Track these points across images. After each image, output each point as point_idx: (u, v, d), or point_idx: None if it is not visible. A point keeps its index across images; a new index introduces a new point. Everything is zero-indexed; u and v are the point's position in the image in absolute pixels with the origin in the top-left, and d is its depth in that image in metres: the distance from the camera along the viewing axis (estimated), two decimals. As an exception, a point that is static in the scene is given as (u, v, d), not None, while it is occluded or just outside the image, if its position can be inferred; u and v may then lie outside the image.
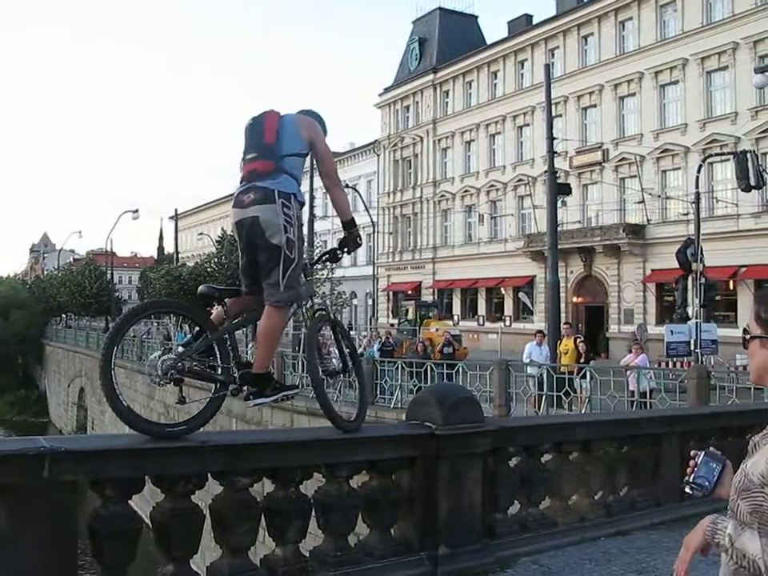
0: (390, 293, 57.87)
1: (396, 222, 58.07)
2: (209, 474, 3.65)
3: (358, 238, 4.30)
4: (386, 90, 59.69)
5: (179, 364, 3.71)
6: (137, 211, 55.79)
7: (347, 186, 50.13)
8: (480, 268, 48.48)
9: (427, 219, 54.66)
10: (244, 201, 4.02)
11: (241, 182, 4.11)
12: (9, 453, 3.10)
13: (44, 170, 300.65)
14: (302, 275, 4.24)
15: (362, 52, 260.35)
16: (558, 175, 23.34)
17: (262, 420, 21.19)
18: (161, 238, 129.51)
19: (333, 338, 4.43)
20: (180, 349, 3.82)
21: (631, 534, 5.22)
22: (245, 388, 3.90)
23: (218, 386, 3.85)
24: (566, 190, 22.98)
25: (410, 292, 54.43)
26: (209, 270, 49.24)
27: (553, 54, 43.86)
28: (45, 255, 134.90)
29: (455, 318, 49.72)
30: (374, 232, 52.36)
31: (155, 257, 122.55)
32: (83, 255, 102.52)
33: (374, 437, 4.13)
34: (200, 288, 4.08)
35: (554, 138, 21.26)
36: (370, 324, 47.67)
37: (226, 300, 4.07)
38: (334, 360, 4.46)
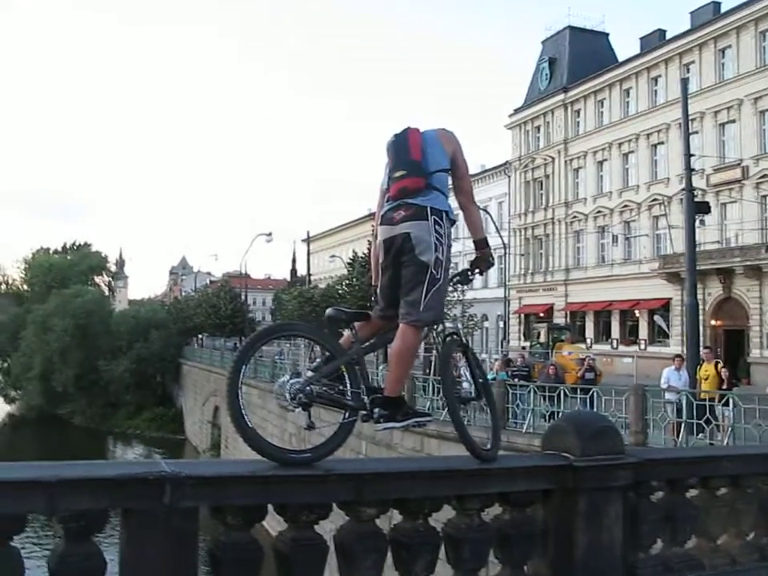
0: (522, 315, 57.22)
1: (527, 244, 57.50)
2: (333, 504, 3.53)
3: (491, 258, 4.13)
4: (516, 111, 59.38)
5: (307, 388, 3.63)
6: (270, 234, 57.31)
7: (478, 207, 50.17)
8: (613, 290, 47.33)
9: (559, 241, 53.92)
10: (394, 218, 3.89)
11: (387, 201, 3.98)
12: (130, 476, 3.05)
13: (182, 193, 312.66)
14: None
15: (492, 73, 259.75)
16: (694, 194, 22.44)
17: (392, 443, 21.11)
18: (293, 260, 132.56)
19: (465, 362, 4.26)
20: (309, 373, 3.73)
21: (789, 581, 4.79)
22: (375, 411, 3.79)
23: (348, 411, 3.74)
24: (704, 208, 22.05)
25: (541, 314, 53.69)
26: (340, 291, 49.99)
27: (688, 69, 42.49)
28: (183, 277, 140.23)
29: (588, 341, 48.65)
30: (505, 254, 51.95)
31: (288, 279, 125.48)
32: (219, 277, 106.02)
33: (508, 468, 3.91)
34: (327, 311, 3.99)
35: (692, 155, 20.46)
36: (501, 347, 47.13)
37: (354, 323, 3.97)
38: (465, 385, 4.30)
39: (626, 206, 47.80)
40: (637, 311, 46.75)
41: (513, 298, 56.26)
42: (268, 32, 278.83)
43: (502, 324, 55.47)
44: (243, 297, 66.68)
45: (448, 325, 4.15)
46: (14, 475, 2.98)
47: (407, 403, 3.94)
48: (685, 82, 21.44)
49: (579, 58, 52.91)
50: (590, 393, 16.31)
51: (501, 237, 48.63)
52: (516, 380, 20.56)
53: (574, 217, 52.60)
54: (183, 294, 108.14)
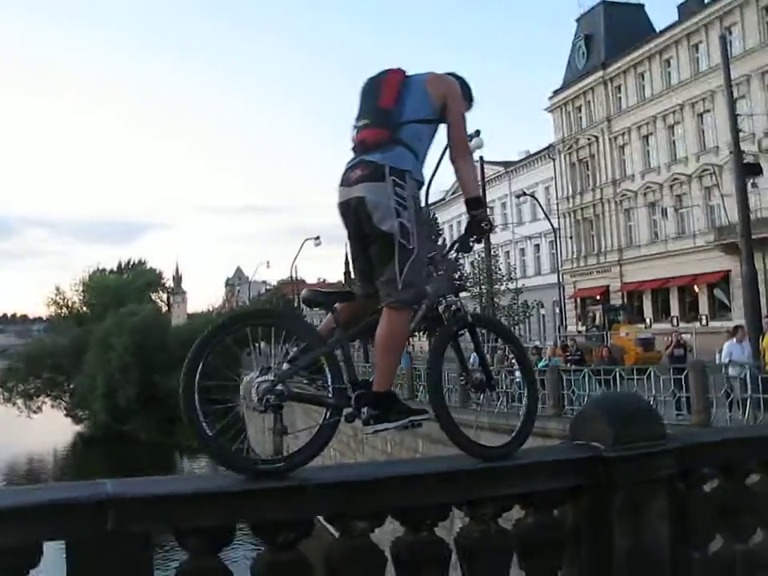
0: (578, 299, 56.08)
1: (578, 227, 56.41)
2: (321, 519, 3.01)
3: (484, 223, 3.48)
4: (556, 93, 58.32)
5: (278, 387, 3.10)
6: (318, 238, 57.08)
7: (524, 193, 49.43)
8: (669, 266, 46.03)
9: (610, 220, 52.74)
10: (350, 178, 3.33)
11: (352, 158, 3.44)
12: (65, 502, 2.60)
13: (232, 203, 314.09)
14: (431, 268, 3.54)
15: (526, 57, 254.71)
16: (746, 157, 21.43)
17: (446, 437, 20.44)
18: (346, 263, 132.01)
19: (473, 344, 3.66)
20: (284, 366, 3.20)
21: None
22: (364, 410, 3.24)
23: (330, 411, 3.20)
24: (756, 169, 21.05)
25: (598, 297, 52.54)
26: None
27: (730, 32, 40.77)
28: (238, 288, 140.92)
29: (647, 320, 47.40)
30: (556, 238, 50.97)
31: (343, 281, 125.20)
32: (274, 285, 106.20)
33: (523, 464, 3.32)
34: (303, 293, 3.44)
35: (738, 115, 19.50)
36: (559, 333, 46.18)
37: (335, 306, 3.40)
38: (477, 372, 3.70)
39: (675, 179, 46.47)
40: (696, 286, 45.40)
41: (567, 283, 55.12)
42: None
43: (558, 310, 54.43)
44: (296, 302, 66.51)
45: (451, 299, 3.54)
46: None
47: (400, 399, 3.37)
48: (724, 40, 20.44)
49: (616, 32, 51.53)
50: (648, 372, 15.56)
51: (550, 221, 47.66)
52: (570, 365, 19.87)
53: (623, 195, 51.37)
54: (240, 304, 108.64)
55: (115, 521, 2.59)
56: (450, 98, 3.46)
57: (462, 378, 3.66)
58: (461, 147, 3.50)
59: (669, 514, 3.47)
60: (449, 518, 3.20)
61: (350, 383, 3.24)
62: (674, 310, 47.39)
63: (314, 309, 3.49)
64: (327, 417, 3.17)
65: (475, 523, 3.23)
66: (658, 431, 3.54)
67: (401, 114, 3.34)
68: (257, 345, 3.36)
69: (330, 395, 3.19)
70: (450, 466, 3.27)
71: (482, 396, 3.77)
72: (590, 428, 3.53)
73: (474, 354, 3.70)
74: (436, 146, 3.51)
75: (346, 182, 3.36)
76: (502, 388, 18.09)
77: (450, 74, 3.67)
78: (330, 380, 3.19)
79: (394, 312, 3.25)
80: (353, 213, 3.32)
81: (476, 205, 3.48)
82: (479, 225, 3.49)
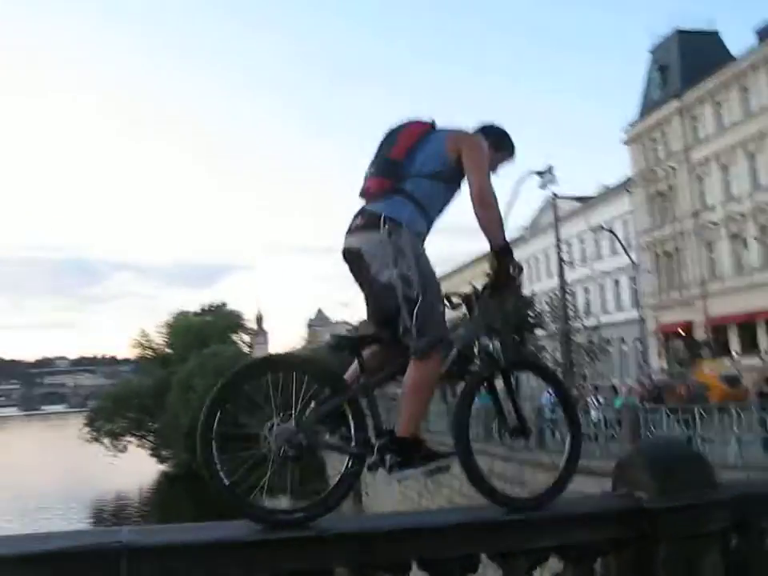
0: (660, 334, 54.60)
1: (658, 260, 55.06)
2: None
3: (509, 270, 3.35)
4: (632, 125, 57.46)
5: (299, 435, 3.01)
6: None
7: (602, 228, 48.49)
8: (756, 298, 44.41)
9: (691, 253, 51.38)
10: (352, 227, 3.33)
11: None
12: (80, 549, 2.56)
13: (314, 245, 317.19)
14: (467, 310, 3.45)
15: (599, 92, 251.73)
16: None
17: (523, 478, 19.91)
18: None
19: (506, 389, 3.51)
20: (305, 414, 3.09)
21: None
22: (387, 458, 3.12)
23: (352, 460, 3.10)
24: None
25: (681, 332, 51.05)
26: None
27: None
28: (320, 329, 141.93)
29: (733, 355, 45.79)
30: (635, 273, 49.92)
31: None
32: (355, 325, 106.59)
33: (556, 515, 3.14)
34: (327, 339, 3.38)
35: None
36: (641, 369, 45.05)
37: (362, 351, 3.31)
38: (512, 419, 3.54)
39: (759, 208, 45.11)
40: (784, 319, 43.78)
41: (649, 318, 53.86)
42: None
43: (639, 346, 53.12)
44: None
45: (484, 341, 3.42)
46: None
47: (426, 444, 3.24)
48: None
49: (691, 61, 50.59)
50: (731, 411, 14.99)
51: (629, 256, 46.74)
52: (646, 404, 19.30)
53: (704, 226, 50.07)
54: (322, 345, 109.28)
55: (128, 570, 2.55)
56: (465, 151, 3.38)
57: (498, 422, 3.51)
58: (479, 198, 3.33)
59: (727, 569, 3.23)
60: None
61: (375, 431, 3.14)
62: (763, 344, 45.72)
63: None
64: (349, 466, 3.08)
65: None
66: (708, 480, 3.32)
67: (409, 167, 3.32)
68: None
69: (352, 444, 3.09)
70: (474, 517, 3.13)
71: (519, 441, 3.56)
72: (632, 476, 3.34)
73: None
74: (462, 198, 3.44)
75: (350, 231, 3.35)
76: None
77: (488, 125, 3.64)
78: (352, 428, 3.10)
79: (418, 362, 3.18)
80: (353, 262, 3.32)
81: (502, 253, 3.34)
82: (506, 272, 3.36)
